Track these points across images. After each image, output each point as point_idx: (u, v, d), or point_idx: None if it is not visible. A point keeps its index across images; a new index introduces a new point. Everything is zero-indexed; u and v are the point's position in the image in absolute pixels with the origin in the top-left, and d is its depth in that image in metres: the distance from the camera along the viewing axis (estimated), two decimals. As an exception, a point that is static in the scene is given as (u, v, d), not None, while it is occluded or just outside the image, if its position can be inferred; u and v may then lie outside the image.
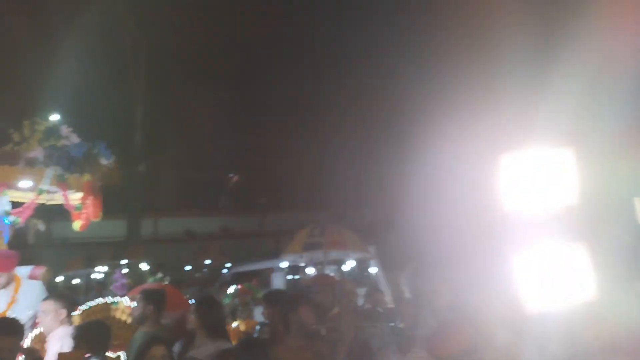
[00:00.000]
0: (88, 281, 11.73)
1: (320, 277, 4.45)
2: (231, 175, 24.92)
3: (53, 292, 4.76)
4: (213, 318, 3.99)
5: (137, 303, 4.20)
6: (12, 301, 4.49)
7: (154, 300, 4.16)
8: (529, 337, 2.48)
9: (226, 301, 5.69)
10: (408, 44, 15.77)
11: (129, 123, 19.24)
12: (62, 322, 4.03)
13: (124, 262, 11.89)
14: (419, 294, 4.48)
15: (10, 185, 5.58)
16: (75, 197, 5.90)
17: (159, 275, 6.72)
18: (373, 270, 9.52)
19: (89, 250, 15.31)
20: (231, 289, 5.87)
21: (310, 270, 9.37)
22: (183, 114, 20.31)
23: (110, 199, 6.21)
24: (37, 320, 4.22)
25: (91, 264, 13.77)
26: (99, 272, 12.40)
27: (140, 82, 19.41)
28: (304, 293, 3.89)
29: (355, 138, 19.44)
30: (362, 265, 9.87)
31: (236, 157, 22.42)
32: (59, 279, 9.04)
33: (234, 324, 5.35)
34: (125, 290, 5.58)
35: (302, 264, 9.36)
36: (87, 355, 3.00)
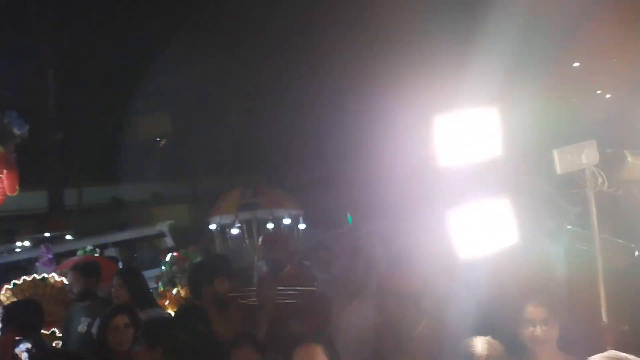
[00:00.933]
0: (10, 258, 11.08)
1: (275, 235, 4.53)
2: (158, 139, 24.02)
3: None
4: (138, 288, 3.95)
5: (72, 278, 4.05)
6: None
7: (90, 274, 4.05)
8: (461, 282, 2.68)
9: (164, 269, 5.61)
10: (343, 3, 15.64)
11: (41, 89, 17.89)
12: None
13: (47, 235, 11.35)
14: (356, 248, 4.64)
15: None
16: (-12, 171, 5.49)
17: (89, 247, 6.47)
18: (302, 227, 9.83)
19: (7, 224, 14.45)
20: (167, 257, 5.78)
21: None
22: (101, 74, 19.11)
23: (29, 170, 5.86)
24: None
25: (11, 239, 12.98)
26: (21, 247, 11.76)
27: (50, 44, 17.96)
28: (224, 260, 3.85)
29: (289, 96, 19.25)
30: (296, 223, 10.15)
31: (164, 120, 21.61)
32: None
33: (174, 291, 5.31)
34: (54, 265, 5.35)
35: (237, 225, 9.44)
36: (18, 338, 2.90)
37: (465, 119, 2.68)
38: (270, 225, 9.62)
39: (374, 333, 3.16)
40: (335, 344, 2.40)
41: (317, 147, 18.30)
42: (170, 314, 4.36)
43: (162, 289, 5.43)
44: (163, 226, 11.02)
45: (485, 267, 2.48)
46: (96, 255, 6.34)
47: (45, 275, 4.59)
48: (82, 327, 3.64)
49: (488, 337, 2.02)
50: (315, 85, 17.17)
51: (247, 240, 9.28)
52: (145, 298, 3.86)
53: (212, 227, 9.64)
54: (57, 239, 11.09)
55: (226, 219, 9.52)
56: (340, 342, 2.93)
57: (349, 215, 12.85)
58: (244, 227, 9.48)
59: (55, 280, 4.48)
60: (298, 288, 3.45)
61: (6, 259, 10.47)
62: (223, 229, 9.65)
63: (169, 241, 9.30)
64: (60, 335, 3.91)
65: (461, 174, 2.59)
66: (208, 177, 20.42)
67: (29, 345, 2.28)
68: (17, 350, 2.27)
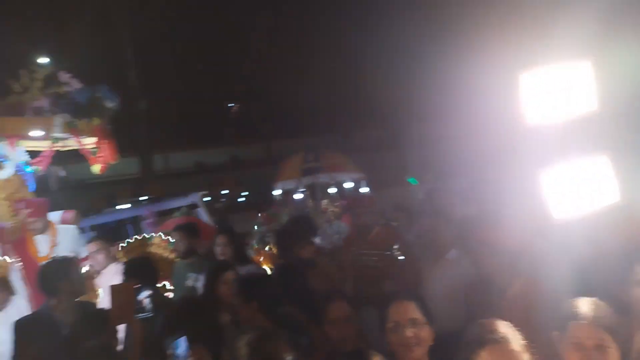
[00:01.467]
0: (115, 219, 12.11)
1: (362, 198, 4.60)
2: (232, 104, 24.70)
3: (95, 232, 5.02)
4: (237, 246, 4.26)
5: (176, 238, 4.42)
6: (53, 245, 4.72)
7: (193, 233, 4.38)
8: (556, 244, 2.63)
9: (256, 228, 5.95)
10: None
11: (122, 62, 18.83)
12: (112, 259, 4.31)
13: (144, 198, 12.20)
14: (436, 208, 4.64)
15: (23, 136, 5.67)
16: (89, 142, 6.00)
17: (184, 209, 6.95)
18: (364, 190, 9.83)
19: (106, 189, 15.65)
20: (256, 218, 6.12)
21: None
22: (178, 46, 19.77)
23: (119, 138, 6.31)
24: (81, 260, 4.46)
25: (112, 203, 14.14)
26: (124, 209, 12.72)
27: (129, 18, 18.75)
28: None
29: (362, 56, 18.88)
30: (358, 186, 10.21)
31: (237, 86, 22.11)
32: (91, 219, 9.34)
33: (267, 248, 5.64)
34: (157, 225, 5.83)
35: (301, 189, 9.65)
36: (137, 285, 3.22)
37: (555, 74, 2.58)
38: (332, 190, 9.81)
39: (463, 292, 3.21)
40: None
41: (393, 106, 17.93)
42: (265, 270, 4.66)
43: (256, 247, 5.76)
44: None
45: (583, 228, 2.42)
46: (191, 216, 6.81)
47: (153, 234, 5.05)
48: (189, 282, 4.01)
49: (594, 298, 1.92)
50: (391, 41, 16.56)
51: (311, 204, 9.48)
52: (244, 255, 4.18)
53: (277, 192, 9.84)
54: (153, 201, 11.76)
55: (290, 184, 9.73)
56: (428, 302, 3.01)
57: (412, 178, 12.67)
58: (308, 191, 9.68)
59: (161, 240, 4.92)
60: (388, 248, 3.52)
61: (112, 217, 11.16)
62: (287, 194, 9.86)
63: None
64: (172, 288, 4.32)
65: (552, 132, 2.52)
66: (284, 140, 20.82)
67: (150, 292, 2.53)
68: (139, 297, 2.52)
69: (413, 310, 2.19)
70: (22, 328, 3.23)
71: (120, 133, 6.24)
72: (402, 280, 3.40)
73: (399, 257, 3.59)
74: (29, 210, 4.42)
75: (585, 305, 1.91)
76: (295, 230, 4.22)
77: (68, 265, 3.55)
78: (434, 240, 3.62)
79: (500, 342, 1.67)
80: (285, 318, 2.99)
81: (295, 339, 2.66)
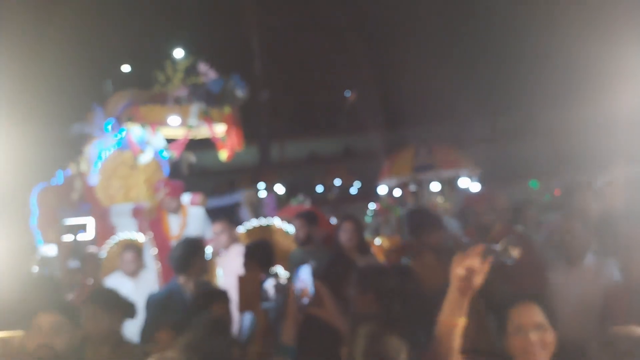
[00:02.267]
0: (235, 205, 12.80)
1: (483, 195, 4.37)
2: (347, 93, 24.80)
3: (221, 215, 5.33)
4: (361, 235, 4.28)
5: (296, 225, 4.53)
6: (183, 225, 5.09)
7: (310, 221, 4.47)
8: None
9: (368, 220, 5.93)
10: None
11: (246, 52, 19.78)
12: (235, 241, 4.56)
13: (261, 185, 12.80)
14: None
15: (162, 123, 6.20)
16: (219, 130, 6.39)
17: (300, 197, 7.14)
18: (477, 185, 9.17)
19: (227, 176, 16.67)
20: (371, 208, 6.09)
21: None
22: (299, 37, 20.31)
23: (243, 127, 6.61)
24: (207, 241, 4.76)
25: (233, 189, 15.06)
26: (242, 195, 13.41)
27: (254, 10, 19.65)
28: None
29: (482, 41, 17.89)
30: (473, 182, 9.60)
31: (352, 75, 22.15)
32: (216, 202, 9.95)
33: (378, 242, 5.60)
34: (275, 212, 6.05)
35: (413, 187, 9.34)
36: (261, 273, 3.31)
37: None
38: (438, 187, 9.29)
39: (602, 300, 2.92)
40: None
41: (520, 92, 16.68)
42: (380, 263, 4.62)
43: (368, 239, 5.73)
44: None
45: None
46: (306, 204, 6.98)
47: (270, 221, 5.24)
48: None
49: None
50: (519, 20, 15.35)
51: (422, 202, 9.08)
52: (366, 245, 4.20)
53: (384, 187, 9.50)
54: (273, 189, 12.22)
55: (401, 180, 9.40)
56: (559, 308, 2.79)
57: (534, 181, 11.65)
58: (418, 188, 9.30)
59: (279, 227, 5.09)
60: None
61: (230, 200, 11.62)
62: (403, 187, 9.44)
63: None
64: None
65: None
66: (397, 130, 20.53)
67: (274, 282, 2.57)
68: (265, 286, 2.56)
69: (538, 314, 2.07)
70: (154, 302, 3.54)
71: (242, 122, 6.57)
72: (524, 283, 3.17)
73: (526, 258, 3.34)
74: (167, 190, 4.83)
75: None
76: (427, 215, 4.22)
77: (198, 245, 3.82)
78: (568, 243, 3.32)
79: None
80: (400, 314, 2.95)
81: (408, 336, 2.61)
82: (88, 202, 5.90)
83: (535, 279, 3.33)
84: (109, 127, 5.96)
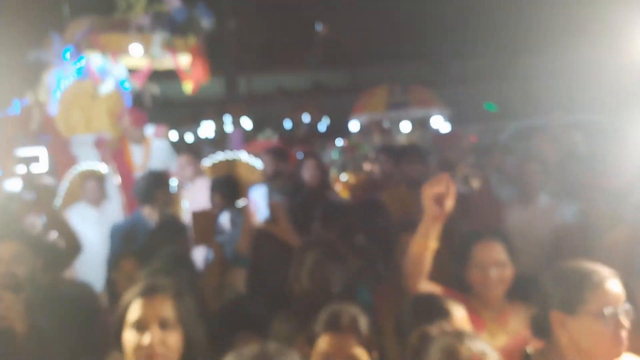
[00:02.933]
0: (199, 138, 12.69)
1: (452, 134, 4.52)
2: (318, 26, 24.09)
3: (185, 147, 5.27)
4: (324, 173, 4.36)
5: (265, 161, 4.54)
6: (147, 157, 5.02)
7: (278, 157, 4.49)
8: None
9: (335, 156, 5.98)
10: None
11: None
12: (200, 174, 4.56)
13: (230, 119, 12.61)
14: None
15: (124, 53, 5.95)
16: (183, 60, 6.18)
17: (268, 132, 7.08)
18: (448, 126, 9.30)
19: (192, 109, 16.31)
20: (338, 145, 6.12)
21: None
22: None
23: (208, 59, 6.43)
24: (172, 173, 4.73)
25: (198, 122, 14.78)
26: (209, 129, 13.25)
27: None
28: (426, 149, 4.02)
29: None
30: (444, 123, 9.74)
31: (324, 8, 21.47)
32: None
33: (344, 178, 5.69)
34: (242, 147, 6.02)
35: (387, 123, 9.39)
36: (221, 209, 3.34)
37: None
38: (410, 125, 9.36)
39: (556, 237, 3.10)
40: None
41: (492, 33, 16.51)
42: (344, 199, 4.73)
43: (334, 175, 5.81)
44: None
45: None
46: (274, 140, 6.96)
47: (237, 155, 5.23)
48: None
49: None
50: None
51: (395, 138, 9.18)
52: (329, 183, 4.27)
53: (356, 123, 9.53)
54: (239, 123, 12.10)
55: (374, 117, 9.39)
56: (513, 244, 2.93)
57: (489, 104, 11.87)
58: (393, 125, 9.34)
59: (246, 162, 5.09)
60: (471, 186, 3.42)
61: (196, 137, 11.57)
62: (374, 125, 9.46)
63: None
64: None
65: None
66: (368, 66, 20.28)
67: (229, 215, 2.62)
68: (221, 219, 2.61)
69: (500, 251, 2.17)
70: (118, 232, 3.59)
71: (208, 54, 6.37)
72: (483, 219, 3.32)
73: (484, 196, 3.48)
74: (130, 119, 4.72)
75: None
76: (408, 149, 4.32)
77: (162, 177, 3.82)
78: (523, 183, 3.47)
79: (603, 283, 1.58)
80: (362, 248, 3.04)
81: (368, 269, 2.74)
82: (48, 132, 5.72)
83: (492, 215, 3.50)
84: (67, 55, 5.69)
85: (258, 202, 2.40)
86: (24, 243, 2.31)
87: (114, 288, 2.71)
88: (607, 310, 1.53)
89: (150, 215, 3.63)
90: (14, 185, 4.70)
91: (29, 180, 3.69)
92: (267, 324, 2.06)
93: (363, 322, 1.61)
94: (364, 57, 20.74)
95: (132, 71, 6.21)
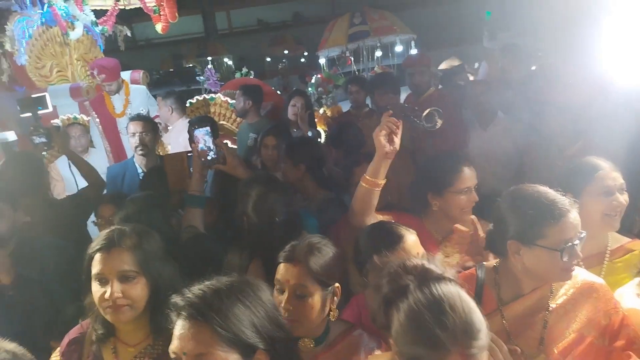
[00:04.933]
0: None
1: (419, 57, 4.42)
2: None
3: (164, 91, 5.22)
4: (309, 109, 4.40)
5: (236, 98, 4.54)
6: (126, 103, 5.01)
7: (252, 94, 4.47)
8: (620, 105, 2.49)
9: (311, 90, 5.95)
10: None
11: None
12: (179, 115, 4.59)
13: (208, 58, 12.30)
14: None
15: (87, -5, 5.75)
16: (151, 0, 6.00)
17: (244, 70, 6.99)
18: (413, 52, 8.94)
19: (172, 48, 15.89)
20: (313, 79, 6.08)
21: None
22: None
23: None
24: (153, 116, 4.75)
25: (178, 63, 14.45)
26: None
27: None
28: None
29: None
30: (408, 49, 9.34)
31: None
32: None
33: (321, 111, 5.70)
34: (218, 86, 5.98)
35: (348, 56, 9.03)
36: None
37: None
38: (378, 54, 9.10)
39: (516, 154, 3.19)
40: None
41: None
42: (319, 132, 4.78)
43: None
44: None
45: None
46: (251, 77, 6.88)
47: (213, 95, 5.22)
48: (250, 141, 4.22)
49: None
50: None
51: (356, 72, 8.88)
52: (313, 119, 4.30)
53: (322, 61, 9.11)
54: (216, 62, 11.88)
55: (335, 51, 9.07)
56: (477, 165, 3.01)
57: (487, 12, 11.32)
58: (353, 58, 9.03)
59: (222, 100, 5.09)
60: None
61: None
62: (333, 62, 9.19)
63: None
64: (234, 147, 4.57)
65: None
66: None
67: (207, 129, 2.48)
68: (197, 134, 2.38)
69: (472, 178, 2.23)
70: (110, 174, 3.67)
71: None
72: (450, 141, 3.39)
73: (451, 119, 3.49)
74: (103, 76, 4.65)
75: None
76: (382, 78, 4.32)
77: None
78: (481, 104, 3.51)
79: (562, 218, 1.57)
80: (329, 179, 3.11)
81: (334, 200, 2.81)
82: (20, 84, 5.65)
83: (458, 138, 3.56)
84: (28, 0, 5.51)
85: (200, 143, 2.39)
86: (2, 200, 2.31)
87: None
88: (565, 245, 1.54)
89: (140, 161, 3.68)
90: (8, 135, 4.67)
91: (36, 124, 3.62)
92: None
93: (315, 256, 1.65)
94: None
95: (100, 14, 6.04)
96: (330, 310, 1.66)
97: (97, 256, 1.59)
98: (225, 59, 13.92)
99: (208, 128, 2.39)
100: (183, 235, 2.33)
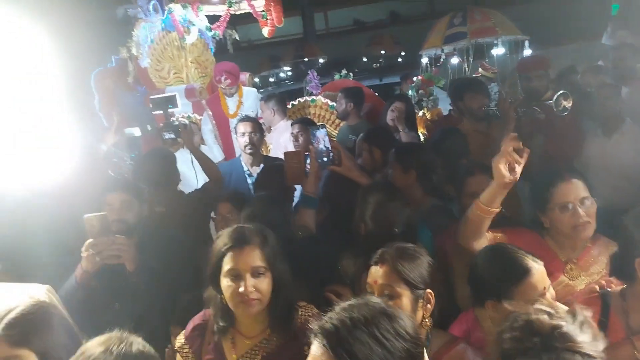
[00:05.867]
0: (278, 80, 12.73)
1: (537, 60, 4.04)
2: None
3: (267, 93, 5.47)
4: (410, 114, 4.39)
5: (338, 101, 4.65)
6: (239, 104, 5.31)
7: (354, 97, 4.54)
8: None
9: (412, 93, 5.91)
10: None
11: None
12: (281, 117, 4.79)
13: (305, 60, 12.51)
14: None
15: (203, 2, 6.15)
16: (259, 5, 6.29)
17: (344, 72, 7.08)
18: (527, 52, 8.08)
19: (270, 50, 16.37)
20: (414, 80, 6.02)
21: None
22: None
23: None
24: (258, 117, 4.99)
25: (276, 64, 14.83)
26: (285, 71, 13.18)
27: None
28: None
29: None
30: (515, 51, 8.38)
31: None
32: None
33: (420, 113, 5.65)
34: (320, 89, 6.13)
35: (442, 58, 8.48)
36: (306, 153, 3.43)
37: None
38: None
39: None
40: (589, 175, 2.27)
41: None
42: (419, 135, 4.72)
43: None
44: None
45: None
46: (350, 79, 6.96)
47: (314, 97, 5.38)
48: (349, 143, 4.29)
49: None
50: None
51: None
52: (414, 122, 4.28)
53: (424, 60, 8.66)
54: (313, 63, 11.96)
55: (431, 53, 8.54)
56: (594, 175, 2.81)
57: (615, 5, 10.09)
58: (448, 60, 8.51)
59: (322, 102, 5.24)
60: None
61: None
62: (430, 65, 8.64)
63: None
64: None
65: None
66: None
67: (326, 130, 2.46)
68: (317, 134, 2.43)
69: (583, 189, 2.03)
70: (221, 170, 3.86)
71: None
72: (561, 143, 3.15)
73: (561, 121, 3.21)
74: (229, 81, 4.99)
75: None
76: (470, 81, 4.20)
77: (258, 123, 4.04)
78: (605, 110, 3.25)
79: None
80: (437, 188, 2.96)
81: (442, 208, 2.73)
82: (142, 84, 6.18)
83: (574, 143, 3.33)
84: (152, 8, 6.01)
85: (319, 144, 2.41)
86: (130, 192, 2.48)
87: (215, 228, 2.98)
88: None
89: (246, 160, 3.88)
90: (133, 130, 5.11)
91: (167, 121, 3.97)
92: (336, 263, 2.16)
93: (401, 258, 1.66)
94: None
95: (212, 19, 6.43)
96: (423, 317, 1.65)
97: (230, 253, 1.69)
98: (321, 60, 13.97)
99: (326, 130, 2.45)
100: (296, 235, 2.41)
